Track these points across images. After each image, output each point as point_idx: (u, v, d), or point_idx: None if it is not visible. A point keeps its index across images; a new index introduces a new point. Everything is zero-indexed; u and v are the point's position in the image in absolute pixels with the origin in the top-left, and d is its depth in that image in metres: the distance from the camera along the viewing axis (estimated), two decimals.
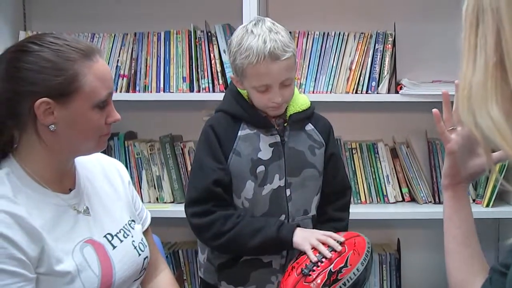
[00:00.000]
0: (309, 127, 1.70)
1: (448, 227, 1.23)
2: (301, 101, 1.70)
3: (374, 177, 2.34)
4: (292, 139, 1.66)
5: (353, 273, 1.48)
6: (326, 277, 1.48)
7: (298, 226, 1.60)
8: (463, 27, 0.92)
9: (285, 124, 1.66)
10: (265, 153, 1.63)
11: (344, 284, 1.48)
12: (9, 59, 1.25)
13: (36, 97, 1.22)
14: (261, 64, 1.55)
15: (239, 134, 1.65)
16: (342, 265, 1.49)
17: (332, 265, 1.48)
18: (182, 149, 2.33)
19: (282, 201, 1.64)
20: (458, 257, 1.20)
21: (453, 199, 1.25)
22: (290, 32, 2.22)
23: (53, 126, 1.25)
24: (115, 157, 2.29)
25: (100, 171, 1.48)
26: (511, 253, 1.02)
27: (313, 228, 1.66)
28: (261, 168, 1.62)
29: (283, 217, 1.63)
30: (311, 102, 1.74)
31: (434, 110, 1.25)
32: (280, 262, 1.65)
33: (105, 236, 1.36)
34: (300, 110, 1.68)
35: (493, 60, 0.85)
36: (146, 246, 1.48)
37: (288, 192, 1.64)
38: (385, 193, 2.34)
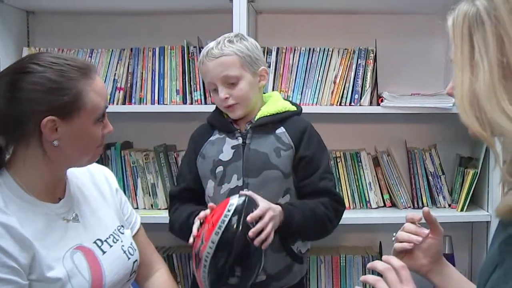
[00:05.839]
0: (281, 130, 1.67)
1: None
2: (274, 106, 1.70)
3: (357, 184, 2.32)
4: (255, 141, 1.65)
5: (209, 247, 1.40)
6: (195, 259, 1.45)
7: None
8: (451, 41, 0.95)
9: (249, 128, 1.67)
10: (226, 155, 1.66)
11: (206, 261, 1.41)
12: (12, 80, 1.23)
13: (42, 116, 1.21)
14: (202, 64, 1.66)
15: (209, 139, 1.71)
16: (200, 243, 1.43)
17: (194, 247, 1.45)
18: (175, 158, 2.30)
19: None
20: None
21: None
22: (277, 48, 2.25)
23: (56, 142, 1.24)
24: (112, 166, 2.29)
25: (89, 178, 1.47)
26: None
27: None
28: (220, 169, 1.65)
29: None
30: (298, 107, 1.74)
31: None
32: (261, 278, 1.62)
33: (94, 242, 1.34)
34: (268, 114, 1.67)
35: (497, 63, 0.88)
36: (135, 250, 1.46)
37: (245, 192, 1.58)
38: (367, 199, 2.32)
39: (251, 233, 1.42)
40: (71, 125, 1.24)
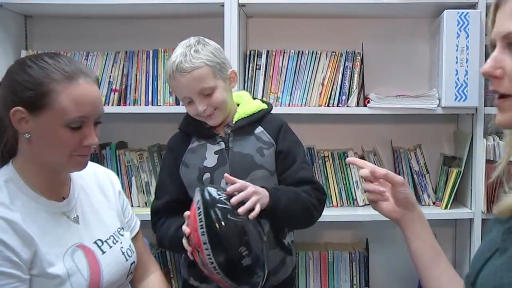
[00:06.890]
0: (259, 129, 1.67)
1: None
2: (249, 107, 1.69)
3: (344, 182, 2.36)
4: (237, 144, 1.65)
5: (205, 249, 1.37)
6: (205, 269, 1.40)
7: None
8: None
9: (229, 131, 1.66)
10: (211, 161, 1.64)
11: (212, 263, 1.37)
12: (9, 71, 1.28)
13: (12, 106, 1.24)
14: (173, 79, 1.60)
15: (189, 147, 1.68)
16: (198, 254, 1.40)
17: (196, 260, 1.42)
18: None
19: None
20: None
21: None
22: (267, 51, 2.29)
23: (27, 134, 1.26)
24: (107, 165, 2.31)
25: (94, 180, 1.49)
26: None
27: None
28: (207, 175, 1.63)
29: None
30: (269, 105, 1.74)
31: None
32: None
33: (95, 242, 1.36)
34: (245, 116, 1.67)
35: None
36: (133, 252, 1.48)
37: None
38: (354, 197, 2.36)
39: (233, 200, 1.40)
40: (38, 121, 1.24)
